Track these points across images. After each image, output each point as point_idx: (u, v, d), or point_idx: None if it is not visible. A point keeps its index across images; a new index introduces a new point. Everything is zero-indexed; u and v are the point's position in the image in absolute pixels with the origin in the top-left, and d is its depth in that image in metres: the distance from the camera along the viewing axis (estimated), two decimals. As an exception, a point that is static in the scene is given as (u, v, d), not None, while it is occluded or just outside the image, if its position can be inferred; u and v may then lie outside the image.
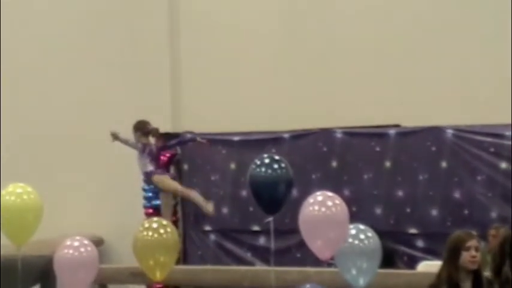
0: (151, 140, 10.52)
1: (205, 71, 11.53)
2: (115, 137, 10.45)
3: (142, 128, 10.43)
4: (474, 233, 6.12)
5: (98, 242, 11.34)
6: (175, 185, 10.59)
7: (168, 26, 11.73)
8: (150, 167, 10.39)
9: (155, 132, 10.48)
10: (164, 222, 5.88)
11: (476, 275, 5.66)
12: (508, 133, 9.92)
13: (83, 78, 11.95)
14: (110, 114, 11.72)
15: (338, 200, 5.64)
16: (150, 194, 11.20)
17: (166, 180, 10.48)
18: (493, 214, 9.86)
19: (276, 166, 6.00)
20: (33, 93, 12.10)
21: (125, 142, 10.49)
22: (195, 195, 10.44)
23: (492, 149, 9.96)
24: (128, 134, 10.87)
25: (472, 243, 5.67)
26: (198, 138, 10.64)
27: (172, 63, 11.72)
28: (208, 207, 10.37)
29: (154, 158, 10.46)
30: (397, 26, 10.71)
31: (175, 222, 10.69)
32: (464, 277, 5.64)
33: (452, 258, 5.66)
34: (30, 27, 12.16)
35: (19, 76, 12.11)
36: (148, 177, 10.53)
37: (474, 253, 5.64)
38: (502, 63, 10.15)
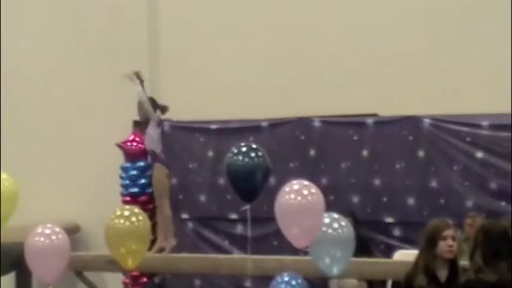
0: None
1: (183, 61, 11.48)
2: (139, 77, 9.49)
3: (156, 104, 9.58)
4: (450, 222, 6.11)
5: (75, 229, 11.28)
6: (162, 188, 9.59)
7: (147, 15, 11.73)
8: (159, 147, 9.40)
9: (165, 110, 9.67)
10: (136, 210, 5.80)
11: (452, 263, 5.64)
12: (484, 123, 9.90)
13: (64, 71, 11.94)
14: (89, 104, 11.71)
15: (314, 189, 5.68)
16: (127, 182, 11.12)
17: (160, 176, 9.47)
18: (469, 203, 9.84)
19: (253, 154, 6.06)
20: (18, 87, 12.07)
21: (144, 97, 9.44)
22: (167, 219, 9.49)
23: (468, 139, 9.95)
24: (108, 119, 10.77)
25: (449, 232, 5.71)
26: None
27: (151, 53, 11.69)
28: (170, 242, 9.47)
29: (163, 140, 9.62)
30: (374, 17, 10.67)
31: (152, 210, 10.55)
32: (441, 265, 5.64)
33: (429, 247, 5.69)
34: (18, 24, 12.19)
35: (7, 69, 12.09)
36: (153, 156, 9.56)
37: (451, 242, 5.67)
38: (477, 53, 10.14)
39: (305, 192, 5.55)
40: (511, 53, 9.92)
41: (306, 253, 6.27)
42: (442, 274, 5.59)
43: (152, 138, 9.44)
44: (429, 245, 5.64)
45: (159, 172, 9.35)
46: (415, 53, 10.40)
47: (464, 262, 5.98)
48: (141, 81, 9.63)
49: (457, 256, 5.72)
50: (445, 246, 5.59)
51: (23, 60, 12.14)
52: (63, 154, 11.85)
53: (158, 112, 9.55)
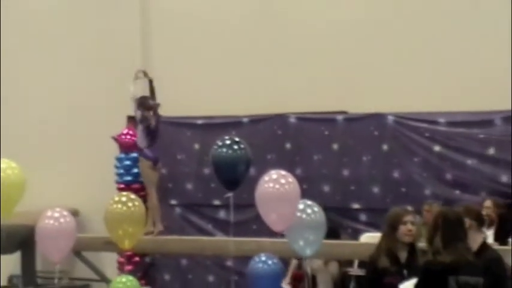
0: (152, 115, 9.26)
1: (172, 62, 11.43)
2: (146, 75, 9.37)
3: (144, 103, 9.33)
4: (410, 208, 6.13)
5: (74, 214, 11.20)
6: (148, 179, 9.42)
7: (139, 16, 11.64)
8: (144, 143, 9.21)
9: (156, 108, 9.30)
10: (132, 196, 5.81)
11: (411, 246, 5.65)
12: (441, 120, 9.94)
13: (64, 73, 11.90)
14: (87, 100, 11.64)
15: (291, 178, 5.61)
16: (122, 171, 11.12)
17: (144, 168, 9.31)
18: (427, 192, 9.89)
19: (236, 147, 5.97)
20: (22, 83, 12.02)
21: (132, 97, 9.21)
22: (153, 206, 9.28)
23: (427, 134, 9.99)
24: (104, 114, 10.72)
25: (408, 218, 5.67)
26: None
27: (143, 54, 11.62)
28: (158, 227, 9.33)
29: (151, 134, 9.20)
30: (346, 20, 10.62)
31: (144, 197, 10.56)
32: (401, 248, 5.62)
33: (390, 232, 5.65)
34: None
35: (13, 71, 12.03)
36: (139, 151, 9.43)
37: (410, 227, 5.63)
38: (435, 57, 10.15)
39: (282, 181, 5.54)
40: (467, 56, 9.96)
41: (282, 236, 6.29)
42: (403, 255, 5.58)
43: (139, 135, 9.34)
44: (391, 229, 5.61)
45: (142, 164, 9.24)
46: (382, 57, 10.38)
47: (422, 244, 6.04)
48: (150, 80, 9.47)
49: (415, 239, 5.70)
50: (405, 231, 5.57)
51: (25, 57, 12.00)
52: (64, 146, 11.78)
53: (150, 112, 9.27)
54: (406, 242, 5.62)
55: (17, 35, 12.10)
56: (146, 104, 9.28)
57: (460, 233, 5.40)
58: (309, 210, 5.54)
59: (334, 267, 9.56)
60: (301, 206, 5.54)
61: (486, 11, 9.92)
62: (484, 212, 7.00)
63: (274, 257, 5.93)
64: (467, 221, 5.61)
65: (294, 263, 9.41)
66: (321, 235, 5.62)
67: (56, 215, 5.71)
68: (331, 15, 10.69)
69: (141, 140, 9.25)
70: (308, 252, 5.54)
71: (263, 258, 5.92)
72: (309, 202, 5.60)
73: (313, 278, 9.20)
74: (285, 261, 6.41)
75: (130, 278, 5.82)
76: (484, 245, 5.73)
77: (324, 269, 9.48)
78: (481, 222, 5.84)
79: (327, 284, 9.35)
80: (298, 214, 5.51)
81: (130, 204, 5.67)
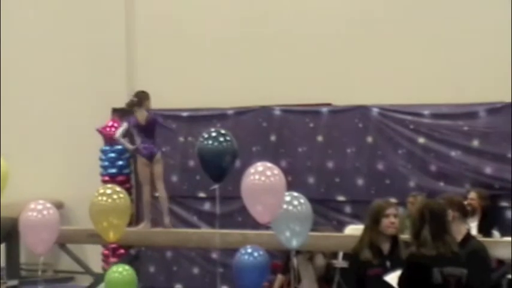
0: (142, 111, 8.87)
1: (158, 55, 11.40)
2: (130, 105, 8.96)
3: (137, 97, 8.88)
4: (393, 201, 6.10)
5: (59, 206, 11.18)
6: (141, 176, 9.11)
7: (124, 11, 11.56)
8: (138, 141, 8.93)
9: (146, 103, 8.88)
10: (118, 188, 5.77)
11: (394, 238, 5.64)
12: (426, 112, 9.96)
13: (49, 66, 11.84)
14: (72, 94, 11.61)
15: (276, 171, 5.60)
16: (106, 163, 11.08)
17: (138, 165, 9.05)
18: (412, 184, 9.91)
19: (221, 139, 5.95)
20: (9, 81, 11.89)
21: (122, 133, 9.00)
22: (145, 203, 9.09)
23: (412, 126, 10.01)
24: (89, 107, 10.64)
25: (391, 211, 5.64)
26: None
27: (128, 47, 11.57)
28: (146, 226, 9.00)
29: (141, 131, 8.84)
30: (331, 13, 10.60)
31: (129, 189, 10.54)
32: (384, 240, 5.61)
33: (373, 224, 5.63)
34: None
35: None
36: (134, 150, 9.14)
37: (393, 219, 5.61)
38: (420, 49, 10.14)
39: (268, 173, 5.52)
40: (451, 49, 9.99)
41: (267, 228, 6.28)
42: (385, 247, 5.56)
43: (134, 134, 9.03)
44: (373, 222, 5.59)
45: (138, 162, 9.07)
46: (366, 49, 10.37)
47: (406, 236, 6.04)
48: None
49: (398, 231, 5.69)
50: (387, 223, 5.55)
51: (9, 53, 11.93)
52: (49, 138, 11.76)
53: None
54: (389, 234, 5.60)
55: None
56: (142, 99, 8.94)
57: (446, 225, 5.42)
58: (295, 202, 5.52)
59: (320, 259, 9.56)
60: (287, 198, 5.51)
61: (470, 4, 9.92)
62: (466, 203, 7.00)
63: (260, 248, 5.92)
64: (451, 213, 5.62)
65: (279, 278, 9.32)
66: (308, 227, 5.60)
67: (39, 207, 5.66)
68: (315, 10, 10.66)
69: (136, 140, 9.00)
70: (294, 243, 5.53)
71: (249, 250, 5.91)
72: (296, 194, 5.57)
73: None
74: (272, 253, 6.39)
75: (127, 267, 5.75)
76: (468, 236, 5.74)
77: (308, 263, 9.47)
78: (464, 213, 5.85)
79: (311, 279, 9.33)
80: (285, 206, 5.49)
81: (115, 196, 5.62)
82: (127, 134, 9.11)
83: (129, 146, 9.15)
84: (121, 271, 5.76)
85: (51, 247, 5.83)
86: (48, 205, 5.70)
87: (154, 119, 8.96)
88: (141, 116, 8.86)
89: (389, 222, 5.58)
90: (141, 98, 8.93)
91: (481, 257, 5.60)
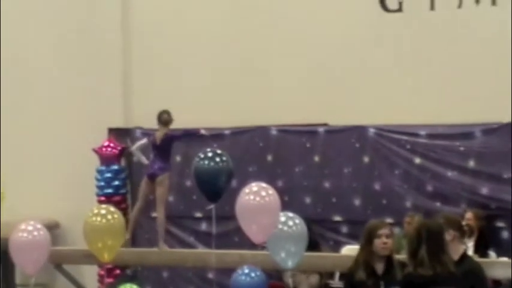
0: (160, 130, 9.00)
1: (154, 74, 11.38)
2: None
3: (159, 117, 8.97)
4: (389, 221, 6.07)
5: (55, 226, 11.16)
6: (141, 193, 9.15)
7: (120, 30, 11.58)
8: (142, 159, 9.10)
9: (167, 123, 8.99)
10: (112, 209, 5.74)
11: (388, 258, 5.62)
12: (422, 132, 9.96)
13: (45, 83, 11.80)
14: (69, 111, 11.57)
15: (271, 191, 5.61)
16: (102, 183, 11.05)
17: (142, 181, 9.08)
18: (408, 203, 9.89)
19: (218, 159, 5.96)
20: (12, 102, 11.84)
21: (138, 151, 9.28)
22: (159, 223, 8.96)
23: (408, 146, 10.00)
24: (85, 127, 10.58)
25: (384, 231, 5.65)
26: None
27: (124, 66, 11.58)
28: (162, 246, 8.96)
29: (158, 149, 8.92)
30: (328, 33, 10.58)
31: (125, 210, 10.50)
32: (378, 260, 5.61)
33: (367, 245, 5.64)
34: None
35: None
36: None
37: (385, 240, 5.61)
38: (419, 68, 10.14)
39: (263, 193, 5.52)
40: (447, 69, 9.98)
41: (263, 248, 6.25)
42: (379, 268, 5.56)
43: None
44: (367, 242, 5.60)
45: (144, 179, 8.96)
46: (363, 69, 10.36)
47: (403, 256, 6.00)
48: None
49: (392, 252, 5.68)
50: (380, 244, 5.55)
51: (7, 67, 11.87)
52: (45, 158, 11.67)
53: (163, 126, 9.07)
54: (382, 255, 5.59)
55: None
56: (160, 117, 9.07)
57: (444, 245, 5.40)
58: (290, 222, 5.51)
59: (314, 278, 9.53)
60: (283, 218, 5.50)
61: (465, 25, 9.94)
62: (463, 223, 6.99)
63: (257, 269, 5.89)
64: (451, 232, 5.60)
65: None
66: (303, 247, 5.59)
67: (30, 228, 5.65)
68: (312, 28, 10.66)
69: (150, 159, 9.04)
70: (290, 264, 5.51)
71: (246, 271, 5.88)
72: (291, 214, 5.56)
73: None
74: (266, 273, 6.37)
75: (135, 286, 5.71)
76: (464, 255, 5.72)
77: (305, 280, 9.44)
78: (462, 232, 5.84)
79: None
80: (280, 226, 5.48)
81: (109, 216, 5.60)
82: (145, 149, 9.17)
83: (144, 160, 9.24)
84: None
85: (42, 268, 5.79)
86: (39, 226, 5.69)
87: (170, 138, 9.03)
88: (160, 134, 8.99)
89: (382, 243, 5.58)
90: (171, 118, 9.09)
91: (478, 276, 5.59)
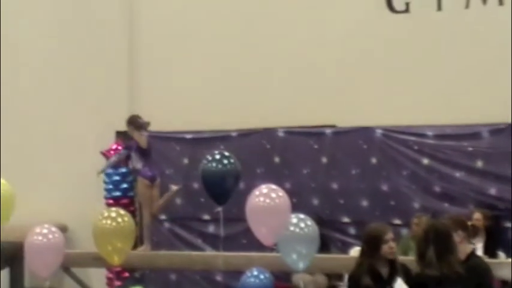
0: (142, 134, 9.15)
1: (160, 77, 11.38)
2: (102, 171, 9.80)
3: (134, 122, 9.23)
4: (391, 223, 6.01)
5: (63, 229, 11.14)
6: (142, 198, 9.32)
7: (127, 35, 11.58)
8: (139, 164, 9.09)
9: (146, 126, 9.26)
10: (122, 211, 5.73)
11: (391, 262, 5.61)
12: (429, 133, 9.94)
13: (53, 87, 11.80)
14: (77, 115, 11.59)
15: (281, 192, 5.59)
16: (111, 186, 11.06)
17: (140, 187, 9.19)
18: (416, 205, 9.86)
19: (225, 161, 5.95)
20: (11, 99, 11.83)
21: (112, 163, 9.73)
22: (144, 225, 9.28)
23: (416, 147, 9.98)
24: (93, 130, 10.57)
25: (389, 236, 5.61)
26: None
27: (131, 69, 11.56)
28: (173, 189, 9.36)
29: (143, 154, 9.07)
30: (335, 34, 10.57)
31: (133, 212, 10.49)
32: (383, 265, 5.58)
33: (372, 250, 5.57)
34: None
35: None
36: (135, 174, 9.39)
37: (392, 244, 5.59)
38: (426, 68, 10.12)
39: (273, 195, 5.51)
40: (454, 70, 9.98)
41: (272, 250, 6.24)
42: (384, 272, 5.54)
43: (134, 158, 9.18)
44: (373, 248, 5.54)
45: (140, 184, 9.12)
46: (370, 70, 10.35)
47: (411, 257, 5.98)
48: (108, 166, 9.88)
49: (396, 255, 5.67)
50: (387, 249, 5.52)
51: (12, 72, 11.89)
52: (53, 162, 11.67)
53: (141, 131, 9.19)
54: (389, 258, 5.57)
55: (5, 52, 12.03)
56: (136, 123, 9.21)
57: (451, 246, 5.40)
58: (302, 224, 5.49)
59: (321, 279, 9.54)
60: (294, 220, 5.49)
61: (472, 26, 9.93)
62: (471, 223, 6.97)
63: (265, 271, 5.88)
64: (460, 233, 5.59)
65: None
66: (314, 248, 5.57)
67: (45, 231, 5.66)
68: (320, 30, 10.66)
69: (135, 162, 9.15)
70: (301, 266, 5.50)
71: (255, 273, 5.87)
72: (302, 216, 5.55)
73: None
74: (274, 275, 6.37)
75: None
76: (471, 254, 5.71)
77: (313, 280, 9.46)
78: (469, 233, 5.83)
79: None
80: (292, 228, 5.47)
81: (119, 219, 5.59)
82: (123, 161, 9.42)
83: (111, 163, 9.60)
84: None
85: (55, 271, 5.80)
86: (53, 229, 5.70)
87: (150, 142, 9.20)
88: (142, 139, 9.07)
89: (389, 248, 5.56)
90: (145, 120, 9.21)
91: (482, 274, 5.57)
